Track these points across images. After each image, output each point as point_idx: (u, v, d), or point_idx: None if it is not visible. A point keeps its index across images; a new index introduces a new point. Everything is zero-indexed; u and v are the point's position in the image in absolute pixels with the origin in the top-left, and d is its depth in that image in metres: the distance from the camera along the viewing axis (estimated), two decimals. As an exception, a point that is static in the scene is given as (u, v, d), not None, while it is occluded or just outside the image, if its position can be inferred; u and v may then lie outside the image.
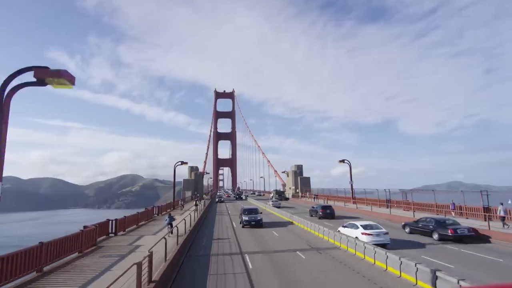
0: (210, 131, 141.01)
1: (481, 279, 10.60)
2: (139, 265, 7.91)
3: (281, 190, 79.29)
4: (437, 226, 18.38)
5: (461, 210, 24.36)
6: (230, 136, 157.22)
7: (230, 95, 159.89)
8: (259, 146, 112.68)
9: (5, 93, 8.27)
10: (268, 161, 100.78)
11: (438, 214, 25.10)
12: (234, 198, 74.44)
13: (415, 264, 9.95)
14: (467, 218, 23.64)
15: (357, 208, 35.88)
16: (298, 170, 78.87)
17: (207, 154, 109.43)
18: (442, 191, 25.39)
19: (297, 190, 73.94)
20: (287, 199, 69.93)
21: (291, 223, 26.62)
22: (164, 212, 33.30)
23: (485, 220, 21.30)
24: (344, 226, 18.39)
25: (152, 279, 9.18)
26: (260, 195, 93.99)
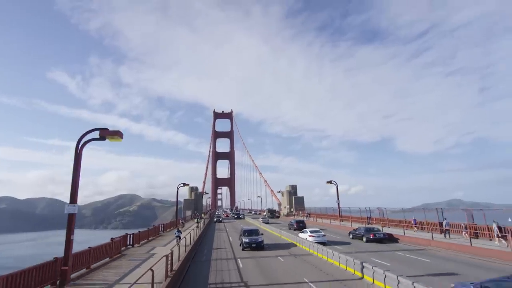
0: (209, 151, 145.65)
1: (383, 263, 15.40)
2: (167, 256, 12.37)
3: (274, 209, 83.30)
4: (365, 232, 26.12)
5: (422, 225, 28.70)
6: (229, 156, 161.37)
7: (228, 116, 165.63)
8: (256, 166, 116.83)
9: (79, 145, 13.24)
10: (265, 180, 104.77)
11: (405, 229, 29.37)
12: (234, 218, 76.09)
13: (353, 260, 14.43)
14: (428, 232, 27.87)
15: (340, 224, 39.98)
16: (293, 190, 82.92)
17: (206, 174, 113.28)
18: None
19: (292, 209, 77.64)
20: (278, 217, 73.85)
21: (275, 235, 31.08)
22: (169, 230, 37.31)
23: (441, 233, 25.80)
24: (301, 232, 26.89)
25: (173, 269, 13.55)
26: (256, 214, 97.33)
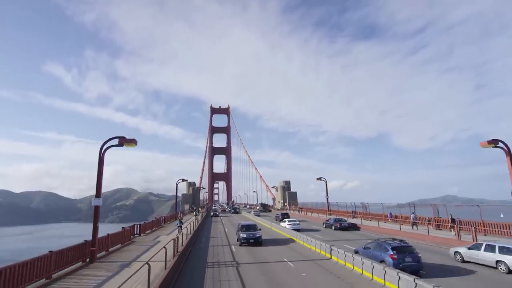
0: (206, 146, 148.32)
1: (344, 246, 18.82)
2: (174, 240, 15.55)
3: (266, 203, 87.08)
4: (334, 222, 32.26)
5: (396, 218, 32.27)
6: (226, 151, 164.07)
7: (225, 111, 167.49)
8: (252, 162, 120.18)
9: (102, 151, 16.24)
10: (260, 176, 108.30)
11: (384, 221, 32.98)
12: (230, 212, 74.86)
13: (325, 244, 17.79)
14: (401, 224, 31.43)
15: (327, 217, 43.48)
16: (286, 185, 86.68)
17: (203, 169, 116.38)
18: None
19: (285, 204, 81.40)
20: (270, 211, 77.53)
21: (266, 226, 34.47)
22: (169, 222, 40.61)
23: (412, 226, 29.29)
24: (283, 221, 34.30)
25: (178, 251, 16.75)
26: (251, 208, 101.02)
